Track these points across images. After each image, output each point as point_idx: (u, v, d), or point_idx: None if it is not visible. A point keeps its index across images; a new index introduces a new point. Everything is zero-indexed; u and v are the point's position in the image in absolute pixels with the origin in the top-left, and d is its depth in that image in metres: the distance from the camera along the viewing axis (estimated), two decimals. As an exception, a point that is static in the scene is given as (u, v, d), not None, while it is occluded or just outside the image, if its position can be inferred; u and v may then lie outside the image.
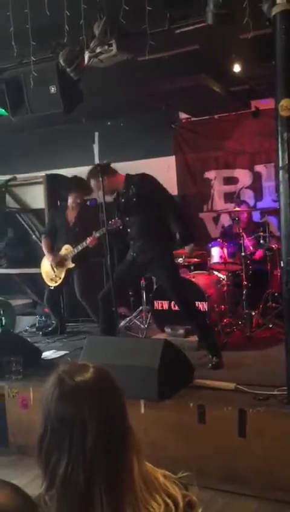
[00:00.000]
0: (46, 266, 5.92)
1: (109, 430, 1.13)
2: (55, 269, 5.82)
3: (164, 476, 1.21)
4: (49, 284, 5.90)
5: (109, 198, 4.45)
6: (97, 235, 5.33)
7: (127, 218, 4.42)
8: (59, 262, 5.78)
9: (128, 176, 4.37)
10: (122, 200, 4.35)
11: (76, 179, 5.94)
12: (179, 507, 1.14)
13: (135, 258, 4.42)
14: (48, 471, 1.12)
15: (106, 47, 3.57)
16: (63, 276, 5.81)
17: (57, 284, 5.86)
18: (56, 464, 1.10)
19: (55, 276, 5.83)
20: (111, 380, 1.21)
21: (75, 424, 1.11)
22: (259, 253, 5.71)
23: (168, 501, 1.14)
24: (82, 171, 6.84)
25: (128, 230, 4.46)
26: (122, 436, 1.16)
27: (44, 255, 5.95)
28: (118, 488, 1.11)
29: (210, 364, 4.27)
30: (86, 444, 1.10)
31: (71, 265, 5.74)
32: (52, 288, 5.90)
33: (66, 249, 5.78)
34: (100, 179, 4.17)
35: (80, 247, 5.60)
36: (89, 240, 5.43)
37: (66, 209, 5.96)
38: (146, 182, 4.31)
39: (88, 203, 6.25)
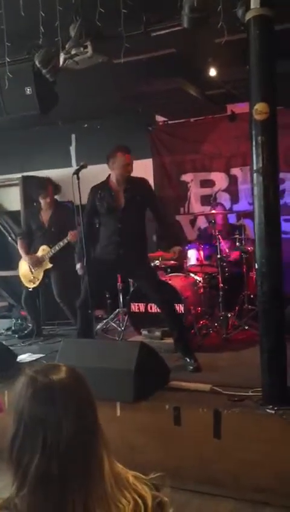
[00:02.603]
0: (23, 268, 5.88)
1: (82, 427, 1.14)
2: (33, 270, 5.78)
3: (134, 476, 1.22)
4: (28, 285, 5.86)
5: (84, 201, 4.42)
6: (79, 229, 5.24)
7: (121, 215, 4.42)
8: (37, 263, 5.74)
9: (132, 176, 4.54)
10: (126, 196, 4.43)
11: (44, 179, 6.00)
12: (149, 507, 1.15)
13: (118, 256, 4.42)
14: (20, 471, 1.12)
15: (82, 49, 3.56)
16: (41, 277, 5.77)
17: (35, 285, 5.83)
18: (28, 462, 1.10)
19: (34, 277, 5.80)
20: (83, 379, 1.22)
21: (49, 421, 1.12)
22: (235, 256, 5.75)
23: (138, 499, 1.15)
24: (59, 173, 6.87)
25: (116, 226, 4.44)
26: (93, 433, 1.17)
27: (21, 257, 5.91)
28: (89, 484, 1.12)
29: (191, 367, 4.28)
30: (60, 441, 1.10)
31: (49, 265, 5.70)
32: (30, 289, 5.86)
33: (43, 250, 5.74)
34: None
35: (57, 247, 5.58)
36: (70, 235, 5.38)
37: (40, 210, 5.92)
38: (150, 187, 4.83)
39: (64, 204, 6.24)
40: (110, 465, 1.17)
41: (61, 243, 5.52)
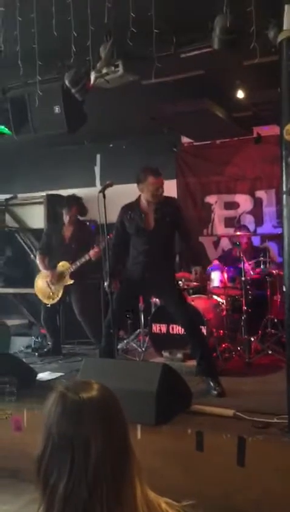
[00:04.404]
0: (40, 284, 5.86)
1: (113, 448, 1.10)
2: (51, 286, 5.75)
3: (167, 503, 1.17)
4: (46, 302, 5.82)
5: (111, 219, 4.40)
6: (100, 247, 5.20)
7: (149, 237, 4.38)
8: (57, 279, 5.71)
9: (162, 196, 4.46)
10: (156, 216, 4.38)
11: (72, 196, 6.05)
12: None
13: (144, 277, 4.38)
14: (47, 491, 1.07)
15: (113, 68, 3.59)
16: (60, 293, 5.74)
17: (54, 302, 5.79)
18: (56, 483, 1.06)
19: (52, 293, 5.77)
20: (115, 398, 1.18)
21: (78, 440, 1.07)
22: (259, 279, 5.67)
23: None
24: (83, 192, 6.91)
25: (144, 247, 4.40)
26: (125, 456, 1.13)
27: (37, 273, 5.91)
28: (119, 509, 1.06)
29: (215, 392, 4.16)
30: (88, 462, 1.06)
31: (70, 281, 5.67)
32: (48, 306, 5.83)
33: (62, 265, 5.72)
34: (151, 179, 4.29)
35: (78, 263, 5.56)
36: (92, 251, 5.37)
37: (63, 226, 5.93)
38: (180, 207, 4.77)
39: (87, 223, 6.26)
40: (142, 490, 1.12)
41: (83, 259, 5.50)
